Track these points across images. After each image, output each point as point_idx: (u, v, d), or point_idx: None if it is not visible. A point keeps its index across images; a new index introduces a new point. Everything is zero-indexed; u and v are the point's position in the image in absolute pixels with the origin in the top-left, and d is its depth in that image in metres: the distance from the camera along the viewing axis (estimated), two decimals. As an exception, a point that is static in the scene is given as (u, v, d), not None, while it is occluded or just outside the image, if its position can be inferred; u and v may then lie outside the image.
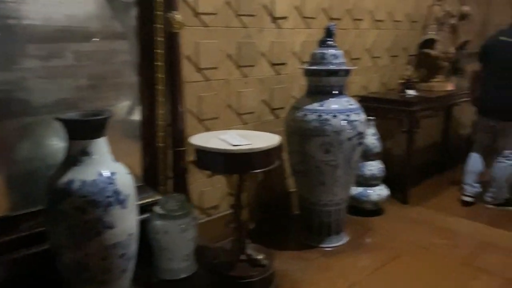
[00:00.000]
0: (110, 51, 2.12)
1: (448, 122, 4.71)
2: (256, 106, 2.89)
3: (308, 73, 2.67)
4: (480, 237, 2.95)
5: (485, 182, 3.58)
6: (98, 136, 1.69)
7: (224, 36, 2.61)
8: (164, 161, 2.36)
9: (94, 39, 2.05)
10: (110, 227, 1.68)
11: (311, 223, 2.81)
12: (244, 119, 2.84)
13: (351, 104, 2.63)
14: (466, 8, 3.92)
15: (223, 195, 2.76)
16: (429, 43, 3.82)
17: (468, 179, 3.60)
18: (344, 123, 2.53)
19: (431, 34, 3.79)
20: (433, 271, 2.53)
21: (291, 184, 3.16)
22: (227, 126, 2.70)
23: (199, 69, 2.52)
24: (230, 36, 2.65)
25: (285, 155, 2.87)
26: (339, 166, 2.61)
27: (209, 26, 2.52)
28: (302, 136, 2.60)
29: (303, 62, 3.07)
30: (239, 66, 2.73)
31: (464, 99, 3.99)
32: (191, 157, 2.23)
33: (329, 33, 2.67)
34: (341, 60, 2.64)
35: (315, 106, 2.58)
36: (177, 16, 2.20)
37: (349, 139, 2.56)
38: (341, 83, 2.64)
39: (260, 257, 2.26)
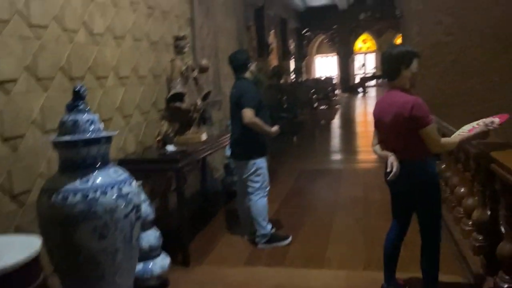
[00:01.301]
0: None
1: (204, 169, 4.82)
2: (-10, 196, 2.16)
3: (61, 145, 2.15)
4: (268, 282, 2.98)
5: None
6: None
7: None
8: None
9: None
10: None
11: (93, 329, 2.22)
12: (-26, 218, 2.06)
13: (120, 175, 2.24)
14: (204, 62, 4.10)
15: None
16: (177, 96, 3.79)
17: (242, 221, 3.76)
18: (117, 198, 2.12)
19: (178, 88, 3.78)
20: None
21: (53, 284, 2.48)
22: None
23: None
24: None
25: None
26: (119, 251, 2.16)
27: None
28: (66, 224, 2.04)
29: (46, 132, 2.50)
30: (-46, 149, 1.98)
31: (217, 147, 4.12)
32: None
33: (78, 96, 2.23)
34: (99, 125, 2.24)
35: (77, 184, 2.07)
36: None
37: (126, 215, 2.16)
38: (104, 152, 2.22)
39: None
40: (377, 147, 2.52)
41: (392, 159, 2.30)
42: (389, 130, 2.35)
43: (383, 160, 2.44)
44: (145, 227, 2.86)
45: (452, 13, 5.61)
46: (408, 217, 2.54)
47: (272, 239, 3.61)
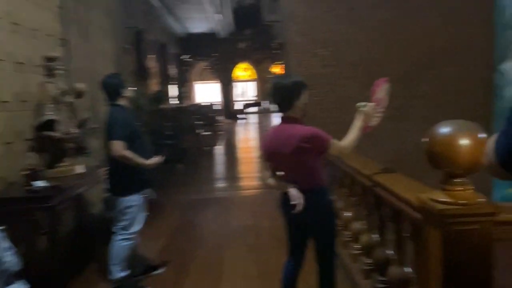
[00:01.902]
0: None
1: (80, 205, 4.33)
2: None
3: None
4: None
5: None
6: None
7: None
8: None
9: None
10: None
11: None
12: None
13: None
14: (80, 86, 3.72)
15: None
16: (48, 124, 3.35)
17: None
18: (-30, 253, 1.71)
19: (49, 114, 3.34)
20: None
21: None
22: None
23: None
24: None
25: None
26: (-28, 319, 1.74)
27: None
28: None
29: None
30: None
31: (96, 180, 3.73)
32: None
33: None
34: None
35: None
36: None
37: (-18, 273, 1.76)
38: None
39: None
40: (271, 180, 2.47)
41: (294, 191, 2.25)
42: (289, 162, 2.31)
43: (279, 191, 2.40)
44: (9, 281, 2.39)
45: (327, 46, 6.04)
46: (305, 247, 2.52)
47: (120, 286, 3.23)
